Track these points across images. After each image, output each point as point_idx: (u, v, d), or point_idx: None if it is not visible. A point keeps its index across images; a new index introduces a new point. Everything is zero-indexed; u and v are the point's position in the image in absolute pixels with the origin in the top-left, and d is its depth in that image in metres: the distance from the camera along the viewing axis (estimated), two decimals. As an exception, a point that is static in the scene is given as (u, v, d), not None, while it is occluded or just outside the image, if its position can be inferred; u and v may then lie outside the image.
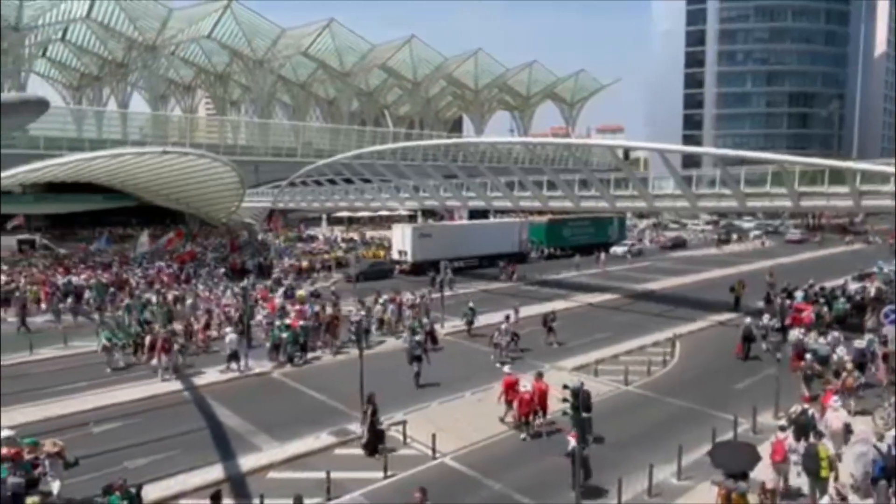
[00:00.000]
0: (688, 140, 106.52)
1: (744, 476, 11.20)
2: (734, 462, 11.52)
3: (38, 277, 36.26)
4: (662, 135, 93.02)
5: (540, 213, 52.24)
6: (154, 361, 21.48)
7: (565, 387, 12.62)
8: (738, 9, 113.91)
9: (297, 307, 27.22)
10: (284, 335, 22.95)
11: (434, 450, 14.93)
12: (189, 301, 29.74)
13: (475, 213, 58.17)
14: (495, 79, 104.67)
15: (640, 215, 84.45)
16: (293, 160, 70.77)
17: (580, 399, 12.14)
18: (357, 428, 16.46)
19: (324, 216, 72.89)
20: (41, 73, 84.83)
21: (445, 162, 46.95)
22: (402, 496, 13.29)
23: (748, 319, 24.99)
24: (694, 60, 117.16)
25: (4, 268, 39.19)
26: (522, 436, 16.12)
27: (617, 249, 55.62)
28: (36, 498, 10.83)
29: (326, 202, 56.41)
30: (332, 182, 52.79)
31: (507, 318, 24.30)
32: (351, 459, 14.94)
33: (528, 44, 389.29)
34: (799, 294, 28.87)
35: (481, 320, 27.59)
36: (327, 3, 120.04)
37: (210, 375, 21.36)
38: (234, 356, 21.61)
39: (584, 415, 12.92)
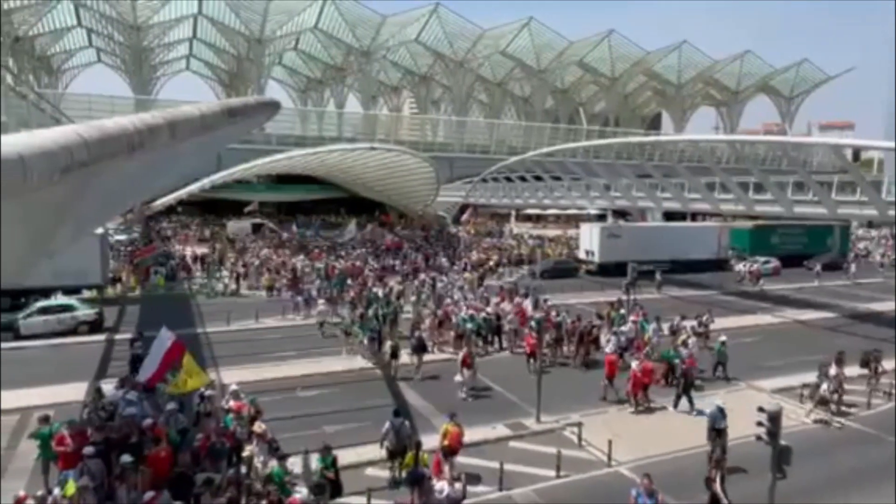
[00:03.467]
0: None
1: None
2: None
3: (284, 265, 39.85)
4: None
5: (751, 217, 48.03)
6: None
7: (761, 409, 11.47)
8: None
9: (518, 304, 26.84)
10: (469, 325, 23.84)
11: (609, 456, 14.58)
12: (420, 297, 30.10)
13: (671, 217, 54.92)
14: (701, 72, 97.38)
15: (870, 224, 73.51)
16: (486, 157, 72.62)
17: (778, 425, 10.99)
18: (533, 423, 16.63)
19: (512, 212, 73.92)
20: (276, 79, 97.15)
21: (640, 160, 45.16)
22: (573, 497, 13.19)
23: None
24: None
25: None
26: (630, 409, 17.77)
27: (739, 267, 46.17)
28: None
29: (516, 199, 57.06)
30: (522, 179, 53.33)
31: (838, 360, 18.45)
32: (524, 453, 15.13)
33: (741, 37, 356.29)
34: None
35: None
36: (530, 4, 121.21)
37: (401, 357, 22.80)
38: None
39: (783, 443, 11.67)
